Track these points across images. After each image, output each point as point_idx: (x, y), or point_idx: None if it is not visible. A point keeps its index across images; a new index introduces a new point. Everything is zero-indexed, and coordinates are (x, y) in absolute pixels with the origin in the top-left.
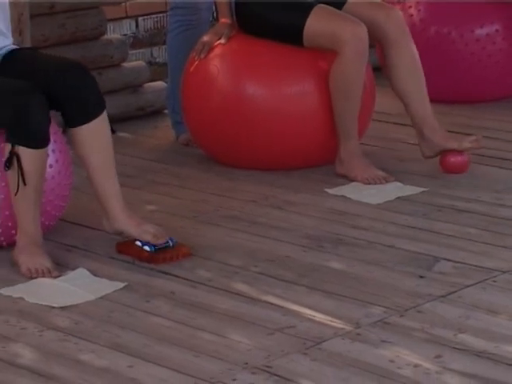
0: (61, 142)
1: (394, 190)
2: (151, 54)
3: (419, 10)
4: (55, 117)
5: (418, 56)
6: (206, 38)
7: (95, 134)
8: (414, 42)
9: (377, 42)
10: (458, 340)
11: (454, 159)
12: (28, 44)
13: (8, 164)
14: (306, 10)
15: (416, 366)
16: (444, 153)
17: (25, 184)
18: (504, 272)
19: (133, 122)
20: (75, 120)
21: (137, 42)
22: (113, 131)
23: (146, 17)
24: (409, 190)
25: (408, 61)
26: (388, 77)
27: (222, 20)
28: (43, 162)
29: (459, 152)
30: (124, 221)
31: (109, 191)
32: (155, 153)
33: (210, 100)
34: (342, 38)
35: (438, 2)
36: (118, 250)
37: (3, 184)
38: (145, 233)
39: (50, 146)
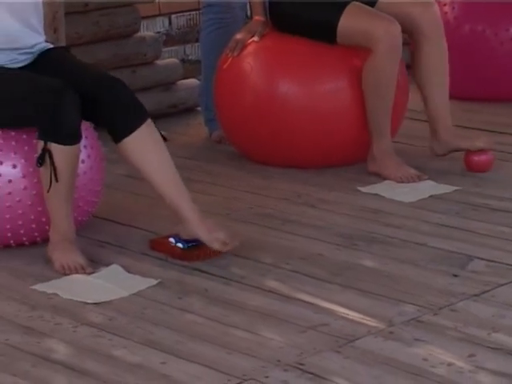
0: (92, 138)
1: (427, 188)
2: (184, 52)
3: (453, 8)
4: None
5: (447, 54)
6: (239, 36)
7: (144, 141)
8: (446, 40)
9: (409, 35)
10: (491, 339)
11: (477, 158)
12: (63, 41)
13: (40, 161)
14: (340, 7)
15: (449, 364)
16: (468, 152)
17: (57, 181)
18: None
19: (165, 120)
20: (121, 132)
21: (169, 40)
22: (164, 139)
23: (178, 14)
24: (442, 189)
25: (438, 56)
26: (413, 73)
27: (256, 18)
28: (75, 159)
29: (484, 151)
30: (196, 225)
31: (174, 195)
32: (188, 150)
33: (243, 97)
34: (375, 35)
35: (472, 1)
36: (150, 246)
37: (35, 180)
38: (215, 240)
39: (82, 142)
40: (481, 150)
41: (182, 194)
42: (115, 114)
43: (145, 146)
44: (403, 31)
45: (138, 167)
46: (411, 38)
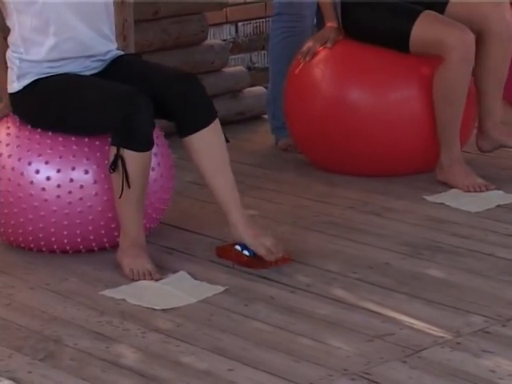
0: (163, 146)
1: (495, 198)
2: (250, 60)
3: None
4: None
5: (510, 55)
6: (312, 42)
7: (208, 141)
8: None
9: (478, 34)
10: None
11: None
12: (132, 49)
13: (113, 167)
14: (413, 15)
15: None
16: None
17: (129, 187)
18: None
19: (232, 127)
20: (187, 129)
21: (236, 47)
22: (227, 140)
23: (245, 22)
24: (509, 199)
25: (502, 56)
26: (476, 64)
27: (329, 24)
28: (147, 165)
29: None
30: (242, 229)
31: (226, 198)
32: (254, 157)
33: (314, 103)
34: (448, 44)
35: None
36: (217, 253)
37: (106, 186)
38: (260, 246)
39: (153, 150)
40: None
41: (233, 198)
42: (186, 109)
43: (208, 146)
44: (472, 31)
45: (196, 164)
46: (479, 36)
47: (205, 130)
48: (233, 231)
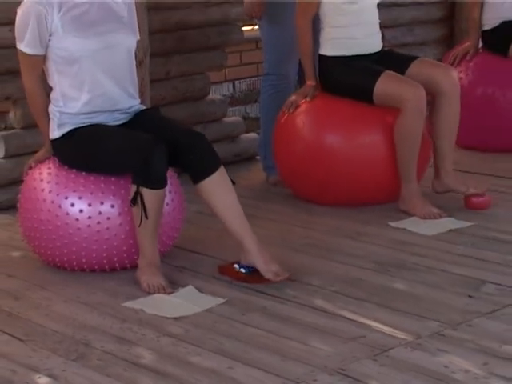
0: (176, 185)
1: (447, 223)
2: (245, 111)
3: (467, 74)
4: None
5: (459, 112)
6: (294, 97)
7: (217, 184)
8: (461, 99)
9: (432, 96)
10: (502, 350)
11: (475, 200)
12: (148, 103)
13: (134, 201)
14: (377, 74)
15: (466, 371)
16: (467, 195)
17: (147, 218)
18: None
19: (231, 166)
20: (199, 177)
21: (233, 101)
22: (233, 182)
23: (241, 80)
24: (459, 224)
25: (453, 113)
26: (431, 120)
27: (308, 82)
28: (162, 201)
29: (479, 194)
30: (255, 256)
31: (239, 228)
32: (249, 191)
33: (297, 147)
34: (405, 98)
35: (484, 68)
36: (219, 271)
37: (128, 218)
38: (269, 271)
39: (167, 188)
40: (478, 194)
41: (245, 228)
42: (195, 161)
43: (218, 188)
44: (427, 93)
45: (210, 204)
46: (433, 98)
47: (213, 176)
48: (247, 256)
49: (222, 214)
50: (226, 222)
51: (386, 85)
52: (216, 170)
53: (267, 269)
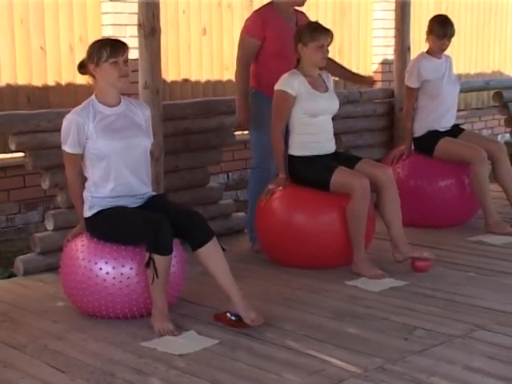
0: (180, 251)
1: (388, 282)
2: (236, 195)
3: (404, 169)
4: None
5: (399, 198)
6: (270, 186)
7: (211, 251)
8: (398, 189)
9: (375, 187)
10: (430, 381)
11: (419, 263)
12: (162, 190)
13: (147, 265)
14: (332, 169)
15: None
16: (413, 259)
17: (157, 277)
18: (457, 336)
19: (224, 238)
20: (196, 245)
21: (227, 187)
22: (223, 249)
23: (233, 171)
24: (397, 283)
25: (393, 200)
26: (379, 210)
27: (281, 175)
28: (169, 264)
29: (424, 259)
30: (239, 306)
31: (227, 284)
32: (238, 256)
33: (273, 223)
34: (354, 187)
35: (415, 165)
36: (214, 318)
37: (144, 278)
38: (248, 318)
39: (173, 253)
40: (423, 259)
41: (232, 284)
42: (193, 233)
43: (211, 254)
44: (371, 184)
45: (205, 267)
46: (376, 189)
47: (207, 245)
48: (234, 306)
49: (215, 274)
50: (217, 279)
51: (340, 177)
52: (210, 240)
53: (247, 316)
